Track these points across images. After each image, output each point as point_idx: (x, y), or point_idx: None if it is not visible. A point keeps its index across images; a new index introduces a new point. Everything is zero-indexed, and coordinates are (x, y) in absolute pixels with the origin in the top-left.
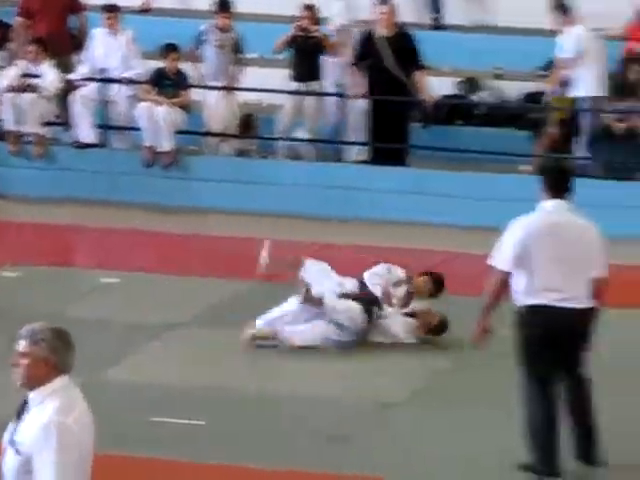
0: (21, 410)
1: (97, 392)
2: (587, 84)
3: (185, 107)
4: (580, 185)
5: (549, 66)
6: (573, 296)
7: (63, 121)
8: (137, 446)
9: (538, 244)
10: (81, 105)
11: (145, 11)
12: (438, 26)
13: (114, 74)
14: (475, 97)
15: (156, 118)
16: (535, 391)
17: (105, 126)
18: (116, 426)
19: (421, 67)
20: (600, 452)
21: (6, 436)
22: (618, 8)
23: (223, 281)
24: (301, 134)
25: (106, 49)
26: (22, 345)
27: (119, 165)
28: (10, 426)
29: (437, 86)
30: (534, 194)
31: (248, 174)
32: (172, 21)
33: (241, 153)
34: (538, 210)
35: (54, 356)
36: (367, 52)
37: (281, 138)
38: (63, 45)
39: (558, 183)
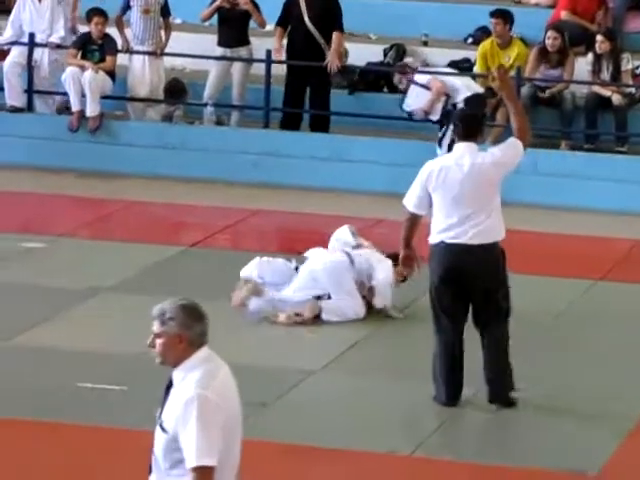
0: (167, 389)
1: (19, 357)
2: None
3: (111, 72)
4: None
5: (476, 34)
6: (467, 233)
7: None
8: (64, 412)
9: (437, 185)
10: (12, 69)
11: None
12: None
13: (41, 38)
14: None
15: (82, 83)
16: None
17: (30, 90)
18: (43, 392)
19: (339, 30)
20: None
21: (157, 416)
22: None
23: (150, 247)
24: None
25: (32, 13)
26: (155, 326)
27: (44, 130)
28: (159, 406)
29: (365, 53)
30: None
31: (174, 140)
32: None
33: (167, 118)
34: (452, 153)
35: (187, 331)
36: (290, 13)
37: (207, 104)
38: None
39: (468, 128)
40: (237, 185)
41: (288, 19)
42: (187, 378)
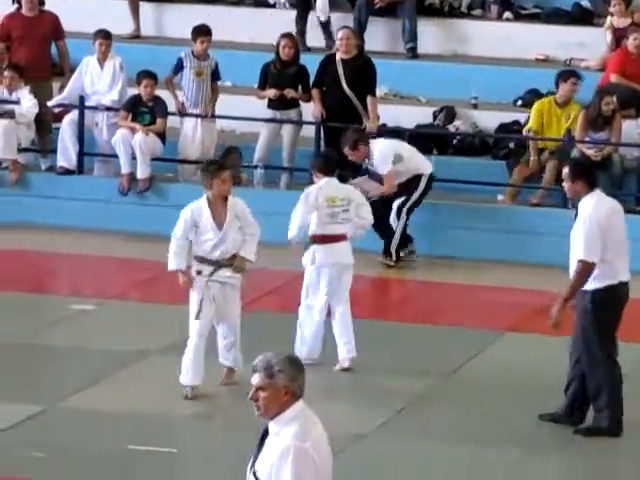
0: (262, 439)
1: (69, 420)
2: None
3: (161, 134)
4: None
5: (526, 97)
6: (627, 271)
7: (38, 147)
8: (118, 475)
9: (610, 230)
10: (68, 127)
11: (135, 37)
12: (414, 55)
13: (98, 100)
14: (451, 127)
15: (132, 145)
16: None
17: (81, 152)
18: (94, 455)
19: (372, 94)
20: None
21: (249, 465)
22: (595, 40)
23: None
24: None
25: (93, 76)
26: (259, 378)
27: (95, 192)
28: (253, 455)
29: (415, 115)
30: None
31: None
32: (165, 48)
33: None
34: (596, 202)
35: (292, 384)
36: (324, 75)
37: (257, 166)
38: (43, 71)
39: (594, 176)
40: (286, 247)
41: (323, 81)
42: (284, 430)
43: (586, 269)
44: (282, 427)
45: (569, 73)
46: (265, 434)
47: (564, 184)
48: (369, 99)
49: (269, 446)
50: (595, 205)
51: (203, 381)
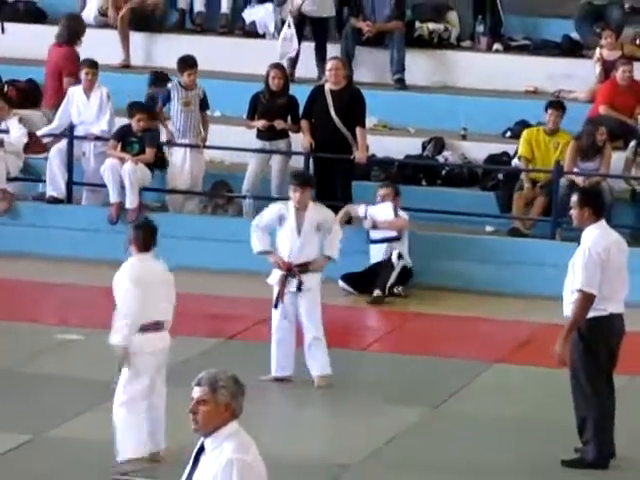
0: (197, 455)
1: (55, 450)
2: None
3: (150, 164)
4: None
5: (515, 128)
6: (622, 302)
7: (27, 176)
8: None
9: (611, 261)
10: (56, 156)
11: (125, 67)
12: (402, 86)
13: (86, 129)
14: (440, 157)
15: (121, 175)
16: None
17: (70, 182)
18: None
19: (362, 125)
20: None
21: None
22: (584, 71)
23: (189, 339)
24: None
25: (80, 107)
26: (201, 391)
27: (84, 221)
28: (186, 471)
29: (404, 146)
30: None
31: (213, 232)
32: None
33: (205, 211)
34: (598, 234)
35: (233, 402)
36: (313, 106)
37: (246, 196)
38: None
39: (602, 206)
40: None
41: (312, 111)
42: (222, 446)
43: (586, 300)
44: (219, 443)
45: (550, 104)
46: (199, 451)
47: (572, 211)
48: (358, 130)
49: (207, 461)
50: (597, 236)
51: (156, 449)
